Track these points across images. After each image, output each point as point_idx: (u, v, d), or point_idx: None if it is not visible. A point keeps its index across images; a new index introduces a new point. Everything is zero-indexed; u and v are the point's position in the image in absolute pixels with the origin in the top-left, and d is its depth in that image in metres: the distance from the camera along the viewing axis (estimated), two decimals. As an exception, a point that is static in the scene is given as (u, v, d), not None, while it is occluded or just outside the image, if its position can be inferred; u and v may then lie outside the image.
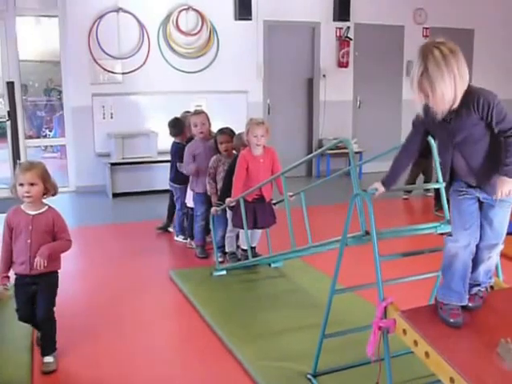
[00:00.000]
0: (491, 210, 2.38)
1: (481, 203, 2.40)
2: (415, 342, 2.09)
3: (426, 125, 2.45)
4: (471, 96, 2.23)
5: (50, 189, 3.09)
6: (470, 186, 2.38)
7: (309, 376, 2.91)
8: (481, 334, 2.18)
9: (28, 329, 3.41)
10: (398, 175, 2.61)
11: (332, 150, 8.27)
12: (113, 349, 3.43)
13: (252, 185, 4.34)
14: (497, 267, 2.60)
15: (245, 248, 4.57)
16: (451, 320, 2.28)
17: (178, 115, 5.92)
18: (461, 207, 2.38)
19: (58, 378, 3.08)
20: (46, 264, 2.99)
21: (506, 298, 2.28)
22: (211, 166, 4.84)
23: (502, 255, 2.66)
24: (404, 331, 2.14)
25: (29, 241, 3.04)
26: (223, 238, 4.90)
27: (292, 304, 4.00)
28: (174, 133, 5.73)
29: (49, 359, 3.14)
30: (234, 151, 4.83)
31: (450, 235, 2.40)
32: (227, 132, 4.91)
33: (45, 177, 3.06)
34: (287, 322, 3.67)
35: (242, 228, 4.35)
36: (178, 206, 5.70)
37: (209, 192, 4.91)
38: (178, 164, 5.43)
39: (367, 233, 2.48)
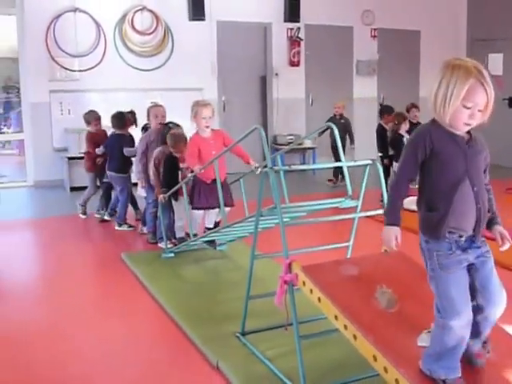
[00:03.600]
0: (486, 266, 2.13)
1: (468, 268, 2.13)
2: (311, 291, 2.50)
3: (430, 149, 2.05)
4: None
5: None
6: (462, 249, 2.09)
7: (237, 334, 3.32)
8: (364, 283, 2.60)
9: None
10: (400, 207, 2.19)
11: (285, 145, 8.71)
12: (65, 328, 3.68)
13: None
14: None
15: (209, 226, 4.75)
16: None
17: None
18: (460, 282, 2.08)
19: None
20: None
21: (391, 257, 2.68)
22: (156, 157, 5.11)
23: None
24: (304, 283, 2.55)
25: None
26: (168, 225, 5.16)
27: (231, 279, 4.41)
28: (118, 125, 6.01)
29: None
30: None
31: (443, 317, 2.08)
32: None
33: None
34: (225, 294, 4.09)
35: (202, 209, 4.59)
36: (122, 197, 5.95)
37: (152, 182, 5.23)
38: (124, 149, 5.78)
39: (279, 205, 2.86)
